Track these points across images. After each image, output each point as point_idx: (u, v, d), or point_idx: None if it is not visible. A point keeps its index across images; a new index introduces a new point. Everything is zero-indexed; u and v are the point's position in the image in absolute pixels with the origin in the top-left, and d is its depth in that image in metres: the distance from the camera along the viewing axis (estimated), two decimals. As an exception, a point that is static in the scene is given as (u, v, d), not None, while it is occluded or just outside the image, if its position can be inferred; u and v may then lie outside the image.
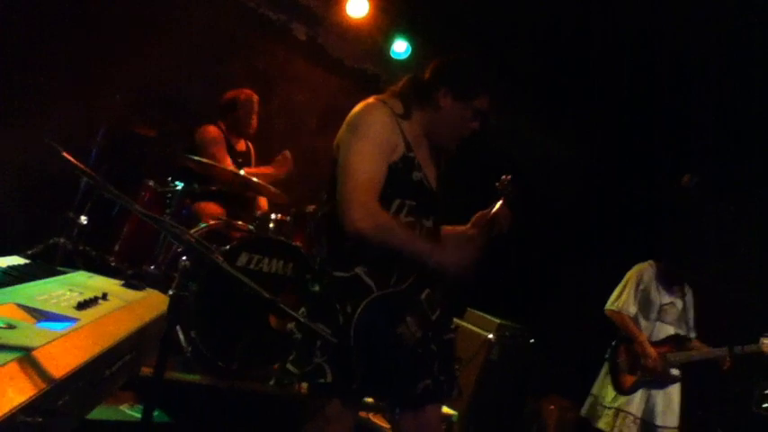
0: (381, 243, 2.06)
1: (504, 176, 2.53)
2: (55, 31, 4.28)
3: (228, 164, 4.13)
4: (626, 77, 5.22)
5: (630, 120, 5.54)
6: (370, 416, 4.13)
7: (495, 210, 2.45)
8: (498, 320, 5.04)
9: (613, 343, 4.32)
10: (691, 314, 4.25)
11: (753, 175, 4.87)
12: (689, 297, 4.27)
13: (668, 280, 4.25)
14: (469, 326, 5.08)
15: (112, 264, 3.79)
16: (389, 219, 2.10)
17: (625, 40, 4.92)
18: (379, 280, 2.10)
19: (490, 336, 4.94)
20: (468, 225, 2.49)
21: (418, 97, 2.25)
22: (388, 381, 2.10)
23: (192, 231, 3.71)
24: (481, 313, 5.19)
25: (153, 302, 1.69)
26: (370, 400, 2.40)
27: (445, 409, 4.19)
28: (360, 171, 2.07)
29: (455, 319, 5.03)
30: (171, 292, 1.43)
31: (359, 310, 2.03)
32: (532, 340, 5.23)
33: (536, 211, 5.68)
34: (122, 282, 1.75)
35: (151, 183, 3.97)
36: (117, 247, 3.87)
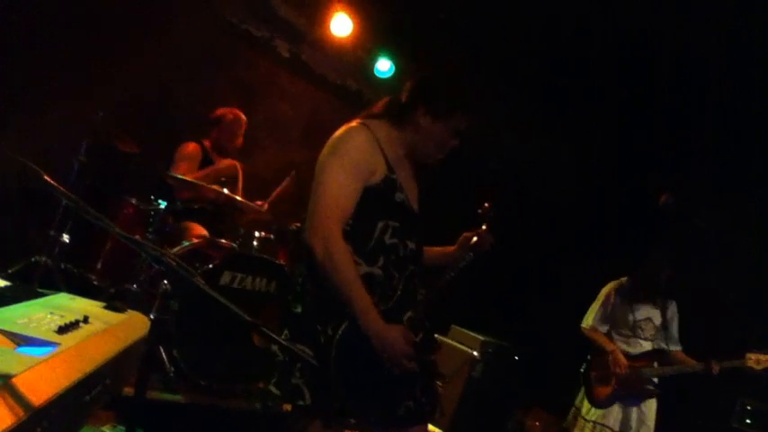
0: (327, 271, 2.03)
1: (485, 204, 2.55)
2: (37, 45, 4.25)
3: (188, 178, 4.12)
4: (625, 77, 5.23)
5: (629, 120, 5.56)
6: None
7: (477, 236, 2.47)
8: (482, 337, 5.05)
9: (588, 357, 4.35)
10: (674, 327, 4.26)
11: (753, 175, 4.91)
12: (671, 309, 4.27)
13: (641, 295, 4.27)
14: (453, 343, 5.09)
15: (94, 282, 3.76)
16: (342, 252, 2.04)
17: (624, 39, 4.93)
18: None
19: (474, 353, 4.95)
20: (456, 246, 2.50)
21: (397, 118, 2.27)
22: (369, 402, 2.10)
23: (175, 250, 3.70)
24: (465, 330, 5.19)
25: (134, 325, 1.68)
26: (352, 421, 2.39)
27: (431, 428, 4.17)
28: (329, 192, 2.08)
29: (438, 336, 5.04)
30: (152, 316, 1.42)
31: (340, 331, 2.03)
32: (516, 357, 5.24)
33: (520, 226, 5.72)
34: (104, 304, 1.74)
35: (134, 200, 3.95)
36: (99, 266, 3.84)
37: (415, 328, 2.19)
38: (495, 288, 5.82)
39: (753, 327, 4.66)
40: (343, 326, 2.03)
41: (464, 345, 5.03)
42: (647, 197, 3.19)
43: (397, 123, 2.27)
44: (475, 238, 2.44)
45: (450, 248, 2.51)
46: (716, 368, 3.88)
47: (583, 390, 4.38)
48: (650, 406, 4.14)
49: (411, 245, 2.23)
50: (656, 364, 4.12)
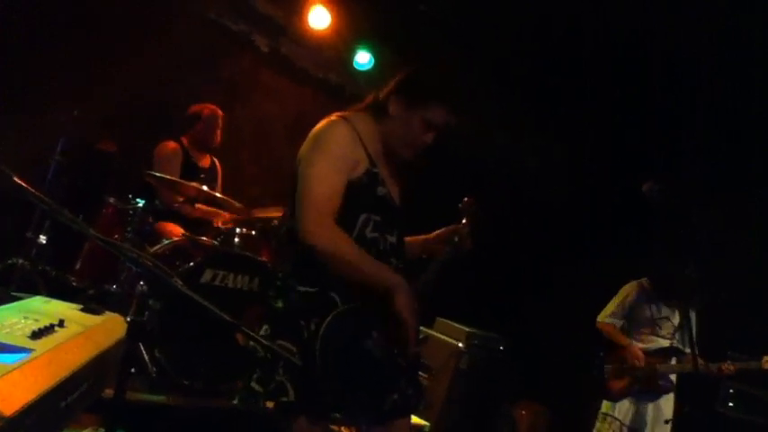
0: (334, 260, 2.04)
1: (466, 198, 2.53)
2: (12, 43, 4.19)
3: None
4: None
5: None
6: (342, 429, 4.09)
7: (457, 230, 2.45)
8: (467, 329, 5.05)
9: (600, 354, 4.38)
10: (693, 327, 4.29)
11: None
12: (692, 316, 4.22)
13: (662, 295, 4.33)
14: (439, 335, 5.08)
15: (73, 283, 3.71)
16: (346, 239, 2.07)
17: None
18: (344, 294, 2.09)
19: (460, 344, 4.95)
20: (432, 236, 2.49)
21: (377, 110, 2.26)
22: (355, 397, 2.09)
23: (157, 248, 3.66)
24: (450, 322, 5.19)
25: (112, 327, 1.65)
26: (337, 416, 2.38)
27: (417, 420, 4.18)
28: (317, 186, 2.07)
29: (424, 329, 5.04)
30: (129, 319, 1.40)
31: (324, 325, 2.02)
32: (502, 347, 5.25)
33: (511, 223, 5.73)
34: (80, 306, 1.71)
35: (112, 200, 3.90)
36: (78, 267, 3.79)
37: (399, 322, 2.18)
38: (482, 280, 5.82)
39: (749, 327, 4.72)
40: (328, 320, 2.01)
41: (450, 337, 5.03)
42: (638, 196, 3.20)
43: (376, 115, 2.26)
44: (456, 238, 2.43)
45: (429, 236, 2.49)
46: (731, 369, 4.00)
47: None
48: (667, 402, 4.20)
49: (391, 239, 2.23)
50: (673, 361, 4.17)
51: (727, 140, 5.06)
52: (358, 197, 2.14)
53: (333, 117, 2.21)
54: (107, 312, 1.72)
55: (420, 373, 2.39)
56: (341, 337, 2.03)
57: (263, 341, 1.78)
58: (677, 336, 4.26)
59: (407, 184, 2.39)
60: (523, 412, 5.49)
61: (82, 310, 1.68)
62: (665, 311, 4.31)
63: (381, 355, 2.10)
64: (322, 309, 2.05)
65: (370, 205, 2.17)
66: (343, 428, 4.08)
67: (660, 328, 4.28)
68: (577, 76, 5.36)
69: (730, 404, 4.79)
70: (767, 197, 4.80)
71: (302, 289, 2.12)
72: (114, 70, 4.54)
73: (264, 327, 2.15)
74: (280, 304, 2.16)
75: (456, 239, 2.41)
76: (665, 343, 4.26)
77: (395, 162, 2.31)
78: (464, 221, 2.48)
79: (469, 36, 5.31)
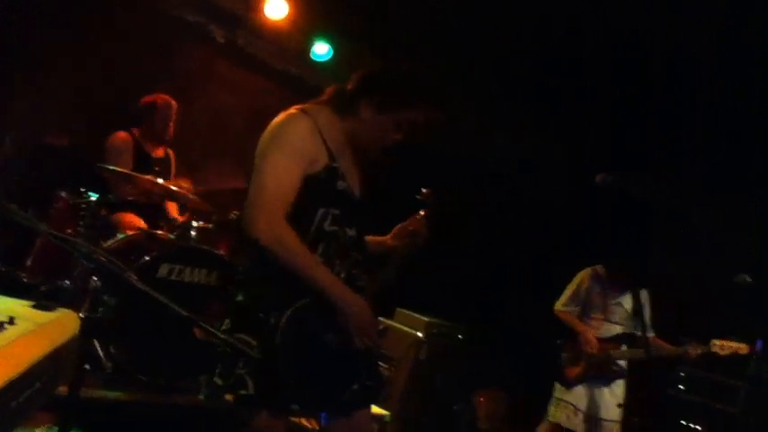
0: (279, 258, 2.03)
1: (424, 189, 2.54)
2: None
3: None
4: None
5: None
6: (302, 420, 4.09)
7: (413, 223, 2.46)
8: (427, 319, 5.09)
9: (558, 341, 4.45)
10: (645, 314, 4.38)
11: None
12: (644, 297, 4.33)
13: (615, 281, 4.39)
14: (399, 325, 5.11)
15: (25, 280, 3.61)
16: (292, 236, 2.05)
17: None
18: (304, 287, 2.09)
19: (419, 334, 4.99)
20: (390, 236, 2.49)
21: (341, 107, 2.24)
22: (316, 389, 2.10)
23: (110, 243, 3.60)
24: (410, 312, 5.23)
25: (65, 323, 1.61)
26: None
27: (378, 410, 4.20)
28: (270, 181, 2.05)
29: (384, 320, 5.06)
30: (83, 315, 1.37)
31: (284, 318, 2.02)
32: (461, 336, 5.31)
33: (470, 208, 5.77)
34: (32, 303, 1.67)
35: (64, 194, 3.81)
36: (29, 263, 3.69)
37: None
38: (441, 269, 5.86)
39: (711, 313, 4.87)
40: (288, 312, 2.02)
41: (409, 327, 5.07)
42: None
43: (340, 112, 2.24)
44: (412, 233, 2.43)
45: (382, 238, 2.49)
46: (693, 353, 4.05)
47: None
48: (619, 387, 4.27)
49: (351, 232, 2.23)
50: (624, 347, 4.26)
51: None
52: (317, 192, 2.13)
53: (292, 110, 2.19)
54: (60, 309, 1.68)
55: (380, 363, 2.42)
56: (301, 330, 2.04)
57: (220, 335, 1.76)
58: (630, 322, 4.36)
59: (372, 178, 2.38)
60: (482, 399, 5.56)
61: (33, 306, 1.64)
62: (618, 298, 4.38)
63: (341, 347, 2.12)
64: (281, 302, 2.05)
65: (329, 199, 2.16)
66: (303, 420, 4.09)
67: (613, 314, 4.36)
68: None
69: (681, 387, 4.95)
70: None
71: (261, 282, 2.11)
72: (66, 62, 4.42)
73: (226, 320, 2.14)
74: (240, 298, 2.15)
75: (411, 235, 2.42)
76: (618, 329, 4.35)
77: (357, 155, 2.31)
78: (422, 212, 2.50)
79: (403, 35, 5.26)
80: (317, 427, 3.95)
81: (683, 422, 4.85)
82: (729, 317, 4.70)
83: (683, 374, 4.95)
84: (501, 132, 6.07)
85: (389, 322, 5.11)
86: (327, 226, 2.16)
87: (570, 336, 4.39)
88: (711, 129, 5.22)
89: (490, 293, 6.01)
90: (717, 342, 3.98)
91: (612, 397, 4.24)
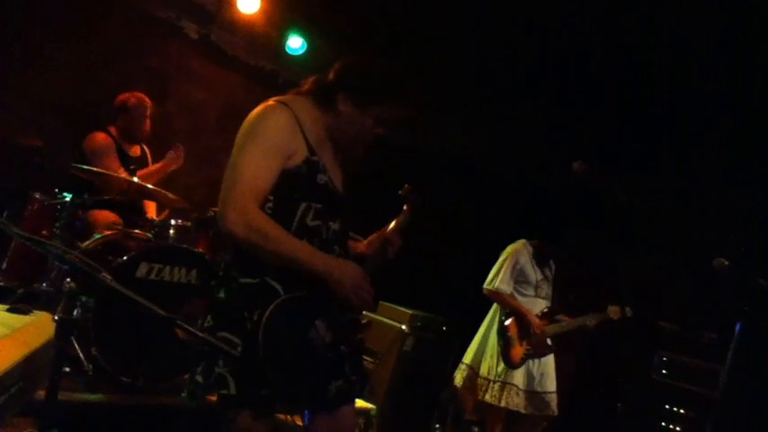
0: (255, 247, 2.00)
1: (405, 185, 2.53)
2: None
3: (121, 173, 3.98)
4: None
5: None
6: (288, 418, 4.07)
7: (387, 234, 2.44)
8: (410, 311, 5.10)
9: (503, 319, 4.41)
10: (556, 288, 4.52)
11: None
12: (553, 269, 4.52)
13: (541, 257, 4.46)
14: (382, 318, 5.12)
15: (0, 284, 3.55)
16: (266, 222, 2.01)
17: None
18: (286, 284, 2.06)
19: (403, 327, 4.99)
20: (365, 242, 2.47)
21: (320, 99, 2.21)
22: (300, 385, 2.07)
23: (87, 243, 3.54)
24: (393, 305, 5.23)
25: (41, 327, 1.59)
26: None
27: (363, 404, 4.19)
28: (245, 173, 2.01)
29: (367, 314, 5.05)
30: (56, 317, 1.35)
31: (266, 316, 1.99)
32: (445, 328, 5.32)
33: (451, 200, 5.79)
34: (6, 307, 1.64)
35: (38, 195, 3.74)
36: (4, 266, 3.63)
37: (342, 308, 2.18)
38: (424, 262, 5.87)
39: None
40: (270, 309, 1.99)
41: (393, 320, 5.07)
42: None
43: (320, 104, 2.20)
44: (384, 242, 2.40)
45: (361, 244, 2.47)
46: (591, 323, 4.26)
47: (475, 350, 4.50)
48: (550, 359, 4.38)
49: (334, 226, 2.20)
50: (553, 323, 4.35)
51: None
52: (297, 186, 2.09)
53: (270, 102, 2.14)
54: (36, 312, 1.66)
55: (365, 357, 2.40)
56: (283, 327, 2.01)
57: (199, 334, 1.73)
58: (550, 296, 4.46)
59: (355, 172, 2.36)
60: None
61: (8, 310, 1.62)
62: (542, 273, 4.47)
63: (325, 343, 2.10)
64: (264, 299, 2.01)
65: (311, 194, 2.13)
66: (288, 417, 4.07)
67: (541, 289, 4.44)
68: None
69: (664, 372, 5.00)
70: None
71: (243, 279, 2.08)
72: (37, 61, 4.35)
73: (208, 318, 2.11)
74: (222, 295, 2.11)
75: (383, 244, 2.41)
76: (544, 304, 4.43)
77: (339, 150, 2.28)
78: (404, 208, 2.49)
79: (376, 28, 5.23)
80: (302, 424, 3.94)
81: (667, 407, 4.91)
82: (708, 300, 4.77)
83: (665, 359, 5.01)
84: (476, 128, 6.08)
85: (373, 315, 5.10)
86: (310, 221, 2.13)
87: (511, 315, 4.37)
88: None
89: (473, 285, 6.02)
90: (612, 308, 4.25)
91: (546, 368, 4.33)
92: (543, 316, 4.37)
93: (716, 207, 5.21)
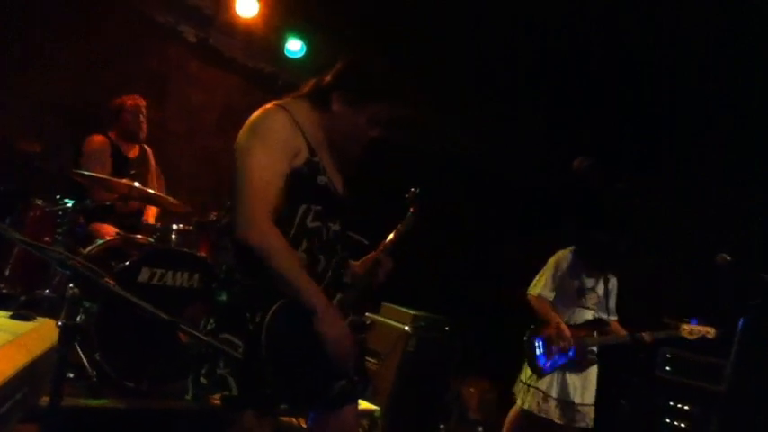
0: (263, 260, 1.99)
1: (412, 189, 2.54)
2: None
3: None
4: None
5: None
6: (293, 420, 4.07)
7: (380, 258, 2.44)
8: (413, 312, 5.09)
9: (532, 326, 4.38)
10: (612, 299, 4.37)
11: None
12: (612, 282, 4.37)
13: (588, 266, 4.36)
14: (385, 320, 5.11)
15: (3, 291, 3.55)
16: (278, 239, 2.01)
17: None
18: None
19: (406, 328, 4.99)
20: (359, 262, 2.44)
21: (317, 100, 2.21)
22: (303, 386, 2.08)
23: (90, 248, 3.54)
24: (396, 306, 5.22)
25: (44, 333, 1.59)
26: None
27: (368, 405, 4.19)
28: (255, 179, 2.01)
29: (370, 315, 5.05)
30: (59, 323, 1.35)
31: (268, 316, 1.99)
32: (448, 328, 5.32)
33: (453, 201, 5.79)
34: (9, 313, 1.64)
35: (39, 201, 3.75)
36: (7, 272, 3.63)
37: (345, 310, 2.18)
38: (427, 263, 5.88)
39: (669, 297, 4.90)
40: (272, 310, 1.99)
41: (396, 321, 5.06)
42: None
43: (317, 105, 2.21)
44: (375, 267, 2.40)
45: (356, 264, 2.45)
46: (648, 338, 4.11)
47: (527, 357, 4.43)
48: (592, 372, 4.27)
49: (335, 227, 2.20)
50: (595, 334, 4.24)
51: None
52: (298, 187, 2.09)
53: (269, 105, 2.15)
54: (39, 318, 1.66)
55: (368, 358, 2.40)
56: (286, 328, 2.01)
57: (202, 337, 1.73)
58: (600, 306, 4.33)
59: (354, 175, 2.36)
60: (472, 389, 5.59)
61: (11, 317, 1.62)
62: (591, 282, 4.36)
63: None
64: (266, 300, 2.01)
65: (311, 195, 2.13)
66: (294, 420, 4.07)
67: (586, 299, 4.35)
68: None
69: (668, 368, 5.00)
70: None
71: (245, 281, 2.08)
72: (37, 61, 4.35)
73: (210, 321, 2.11)
74: (224, 297, 2.12)
75: (374, 266, 2.40)
76: (590, 314, 4.33)
77: (336, 151, 2.28)
78: (410, 212, 2.50)
79: (377, 28, 5.22)
80: (305, 425, 3.94)
81: (672, 403, 4.91)
82: (708, 300, 4.76)
83: (669, 356, 5.00)
84: (476, 128, 6.07)
85: (376, 317, 5.10)
86: (310, 222, 2.13)
87: (542, 322, 4.32)
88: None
89: (475, 284, 6.03)
90: (686, 327, 4.06)
91: (585, 381, 4.24)
92: (585, 326, 4.28)
93: (716, 207, 5.20)
